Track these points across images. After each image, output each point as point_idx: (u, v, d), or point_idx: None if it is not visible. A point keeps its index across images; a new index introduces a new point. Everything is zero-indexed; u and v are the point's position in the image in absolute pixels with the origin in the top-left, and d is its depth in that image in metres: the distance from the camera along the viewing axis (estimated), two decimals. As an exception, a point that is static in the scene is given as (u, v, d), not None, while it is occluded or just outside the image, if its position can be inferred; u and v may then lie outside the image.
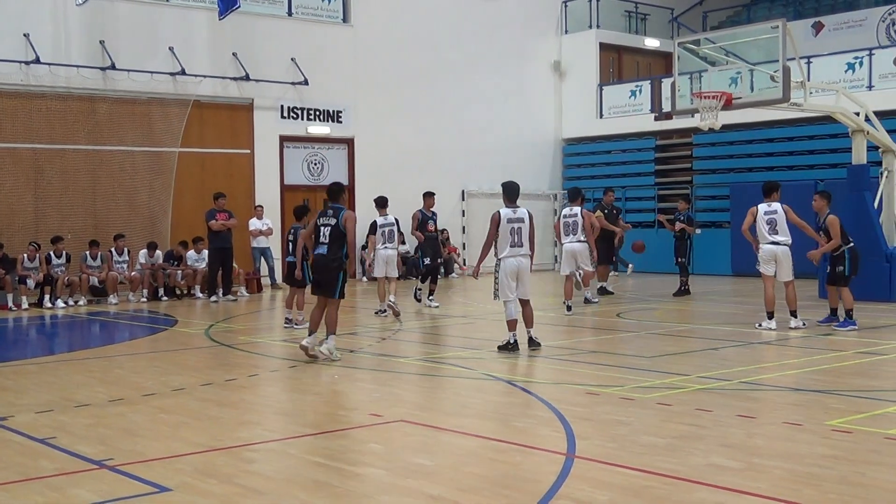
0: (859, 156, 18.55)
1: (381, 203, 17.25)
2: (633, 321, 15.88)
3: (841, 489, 6.07)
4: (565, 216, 17.09)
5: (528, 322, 12.35)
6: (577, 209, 16.98)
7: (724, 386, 9.66)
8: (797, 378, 10.19)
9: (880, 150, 19.10)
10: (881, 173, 18.97)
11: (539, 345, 12.29)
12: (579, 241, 16.67)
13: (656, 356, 11.91)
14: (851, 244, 14.29)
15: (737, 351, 12.38)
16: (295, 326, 14.98)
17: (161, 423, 8.42)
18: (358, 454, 7.24)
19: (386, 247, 16.96)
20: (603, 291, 19.65)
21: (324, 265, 11.60)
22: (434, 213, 18.06)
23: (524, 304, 12.29)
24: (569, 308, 16.49)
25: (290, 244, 15.33)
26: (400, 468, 6.78)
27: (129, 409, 8.97)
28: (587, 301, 17.97)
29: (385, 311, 16.59)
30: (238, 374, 11.00)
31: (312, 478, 6.54)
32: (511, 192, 12.41)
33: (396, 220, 17.19)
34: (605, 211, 20.05)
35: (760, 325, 14.01)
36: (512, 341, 12.13)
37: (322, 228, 11.62)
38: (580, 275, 17.24)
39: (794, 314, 14.00)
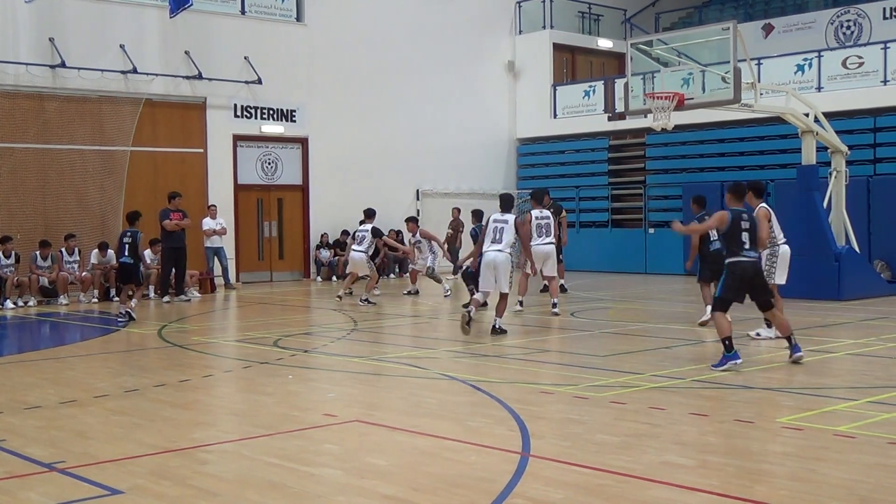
0: (809, 156, 18.79)
1: (369, 214, 19.98)
2: (586, 320, 15.97)
3: (791, 485, 6.16)
4: (537, 217, 16.65)
5: (499, 312, 13.80)
6: (547, 211, 16.94)
7: (677, 384, 9.75)
8: (748, 376, 10.30)
9: (829, 150, 19.38)
10: (830, 173, 19.24)
11: (504, 332, 13.57)
12: (551, 243, 16.62)
13: (610, 355, 12.00)
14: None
15: (689, 349, 12.49)
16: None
17: (113, 424, 8.33)
18: (313, 454, 7.22)
19: (355, 249, 19.39)
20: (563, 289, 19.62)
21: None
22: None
23: (501, 296, 13.78)
24: (520, 304, 16.69)
25: (126, 246, 17.03)
26: (355, 468, 6.77)
27: (81, 411, 8.88)
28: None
29: (344, 294, 19.68)
30: (192, 375, 10.92)
31: (267, 479, 6.50)
32: (504, 203, 14.33)
33: (374, 228, 19.43)
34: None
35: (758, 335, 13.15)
36: (469, 313, 13.46)
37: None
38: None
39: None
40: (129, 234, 17.18)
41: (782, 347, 12.22)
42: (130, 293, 17.47)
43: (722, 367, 10.48)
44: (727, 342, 10.59)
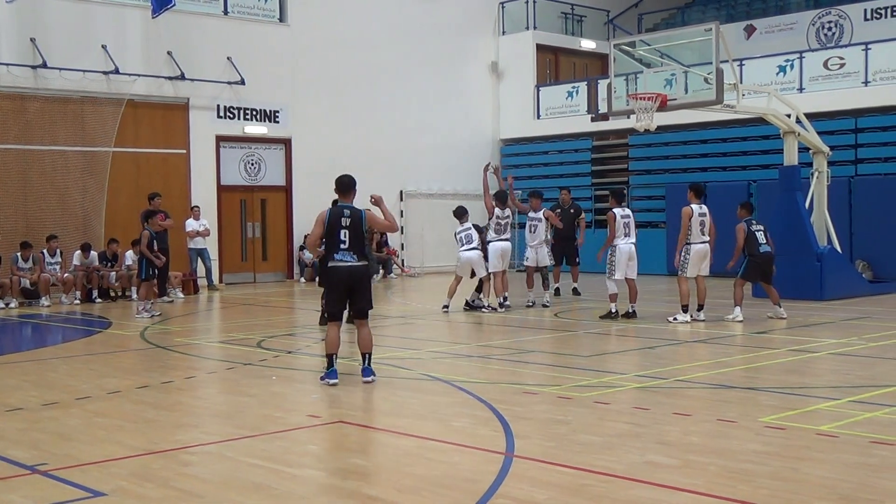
0: (791, 157, 18.85)
1: (462, 212, 17.26)
2: (570, 320, 16.00)
3: (774, 484, 6.18)
4: (498, 216, 17.13)
5: (633, 298, 15.55)
6: (507, 211, 17.23)
7: (661, 384, 9.78)
8: (731, 376, 10.34)
9: (811, 151, 19.45)
10: (812, 174, 19.32)
11: (635, 315, 15.41)
12: (507, 239, 17.17)
13: (593, 355, 12.02)
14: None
15: (672, 349, 12.52)
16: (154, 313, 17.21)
17: (96, 426, 8.29)
18: (296, 456, 7.21)
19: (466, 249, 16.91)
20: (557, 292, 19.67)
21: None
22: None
23: (629, 282, 15.55)
24: (505, 299, 17.04)
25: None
26: (338, 469, 6.76)
27: (64, 413, 8.83)
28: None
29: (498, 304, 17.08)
30: (174, 377, 10.88)
31: (250, 480, 6.49)
32: (618, 195, 16.00)
33: (475, 225, 17.33)
34: (559, 210, 20.14)
35: (675, 319, 14.94)
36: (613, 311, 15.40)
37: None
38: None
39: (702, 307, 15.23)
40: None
41: (768, 348, 12.28)
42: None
43: (330, 383, 9.91)
44: (330, 358, 9.99)
